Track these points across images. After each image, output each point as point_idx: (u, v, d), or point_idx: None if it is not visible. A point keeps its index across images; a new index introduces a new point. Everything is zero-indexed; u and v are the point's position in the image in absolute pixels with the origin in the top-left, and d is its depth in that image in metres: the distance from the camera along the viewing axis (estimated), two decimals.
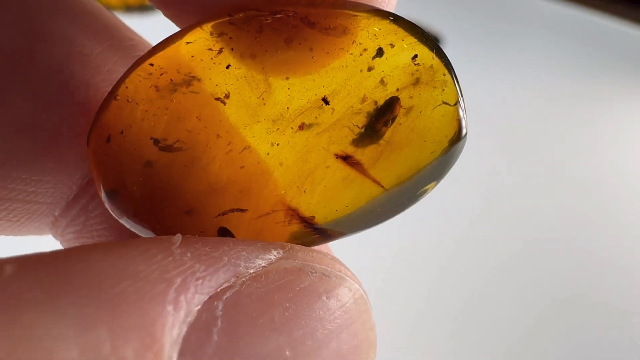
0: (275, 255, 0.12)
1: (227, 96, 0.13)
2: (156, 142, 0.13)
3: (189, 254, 0.10)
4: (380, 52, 0.13)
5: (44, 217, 0.16)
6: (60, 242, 0.17)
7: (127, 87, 0.13)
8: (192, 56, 0.13)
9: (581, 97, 0.73)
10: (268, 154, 0.13)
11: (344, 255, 0.16)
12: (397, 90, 0.13)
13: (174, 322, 0.10)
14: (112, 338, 0.09)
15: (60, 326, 0.08)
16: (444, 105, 0.13)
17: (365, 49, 0.13)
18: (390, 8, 0.15)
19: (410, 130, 0.13)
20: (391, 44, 0.13)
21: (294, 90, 0.13)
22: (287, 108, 0.13)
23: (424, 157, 0.13)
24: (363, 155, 0.13)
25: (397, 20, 0.13)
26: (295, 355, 0.11)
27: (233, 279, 0.11)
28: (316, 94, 0.13)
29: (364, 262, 0.45)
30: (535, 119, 0.68)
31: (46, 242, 0.15)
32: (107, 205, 0.14)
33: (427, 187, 0.14)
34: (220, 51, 0.13)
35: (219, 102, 0.13)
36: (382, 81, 0.13)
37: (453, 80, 0.13)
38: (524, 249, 0.50)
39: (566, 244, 0.52)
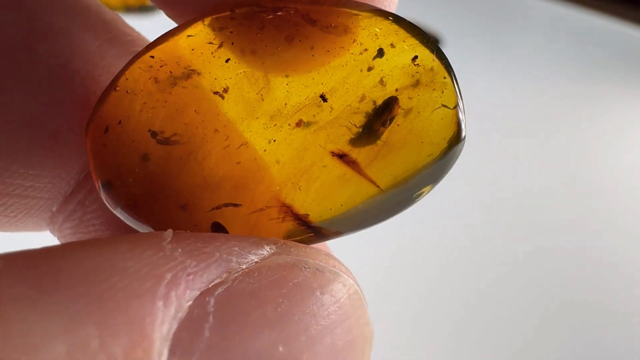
0: (268, 251, 0.11)
1: (225, 90, 0.13)
2: (154, 134, 0.13)
3: (179, 250, 0.10)
4: (380, 53, 0.13)
5: (42, 212, 0.15)
6: (58, 238, 0.17)
7: (127, 79, 0.13)
8: (193, 49, 0.13)
9: (581, 98, 0.73)
10: (265, 150, 0.13)
11: (344, 256, 0.16)
12: (396, 90, 0.13)
13: (164, 318, 0.09)
14: (100, 334, 0.09)
15: (47, 322, 0.08)
16: (443, 108, 0.13)
17: (365, 49, 0.13)
18: (392, 8, 0.14)
19: (408, 132, 0.13)
20: (392, 44, 0.13)
21: (292, 86, 0.13)
22: (285, 104, 0.13)
23: (421, 159, 0.13)
24: (359, 154, 0.13)
25: (398, 20, 0.13)
26: (289, 351, 0.11)
27: (225, 275, 0.11)
28: (314, 92, 0.13)
29: (364, 262, 0.45)
30: (534, 120, 0.67)
31: (45, 240, 0.15)
32: (102, 196, 0.14)
33: (423, 190, 0.14)
34: (220, 45, 0.13)
35: (217, 96, 0.13)
36: (381, 81, 0.13)
37: (453, 83, 0.13)
38: (524, 250, 0.50)
39: (566, 245, 0.51)
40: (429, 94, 0.13)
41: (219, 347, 0.10)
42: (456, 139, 0.13)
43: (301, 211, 0.14)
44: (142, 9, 0.72)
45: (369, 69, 0.13)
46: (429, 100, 0.13)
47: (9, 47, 0.14)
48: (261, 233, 0.14)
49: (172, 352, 0.09)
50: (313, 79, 0.13)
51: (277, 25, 0.13)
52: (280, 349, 0.10)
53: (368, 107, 0.13)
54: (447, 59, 0.13)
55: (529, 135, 0.64)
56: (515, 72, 0.76)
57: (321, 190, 0.14)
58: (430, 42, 0.13)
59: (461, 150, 0.14)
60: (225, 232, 0.14)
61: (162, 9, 0.15)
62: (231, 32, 0.13)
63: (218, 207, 0.14)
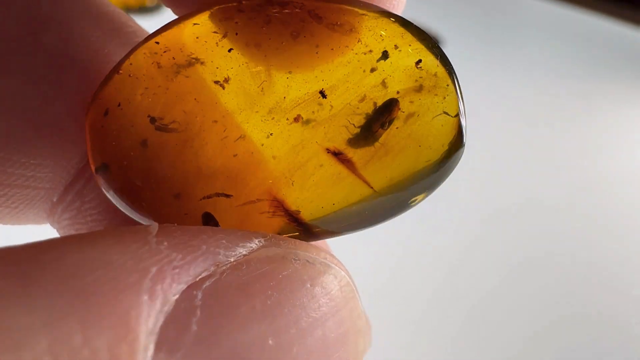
0: (256, 244, 0.11)
1: (226, 80, 0.13)
2: (153, 120, 0.13)
3: (165, 243, 0.10)
4: (385, 55, 0.13)
5: (43, 203, 0.15)
6: (57, 230, 0.16)
7: (130, 64, 0.13)
8: (197, 37, 0.13)
9: (581, 98, 0.72)
10: (263, 145, 0.13)
11: (345, 256, 0.16)
12: (398, 93, 0.13)
13: (150, 312, 0.09)
14: (83, 329, 0.08)
15: (29, 317, 0.08)
16: (444, 115, 0.13)
17: (370, 50, 0.13)
18: (399, 9, 0.14)
19: (407, 136, 0.13)
20: (396, 47, 0.13)
21: (292, 81, 0.13)
22: (284, 98, 0.13)
23: (418, 164, 0.13)
24: (355, 154, 0.13)
25: (405, 24, 0.13)
26: (279, 344, 0.10)
27: (213, 268, 0.10)
28: (314, 88, 0.13)
29: (365, 264, 0.44)
30: (534, 120, 0.66)
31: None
32: (96, 178, 0.13)
33: (417, 197, 0.13)
34: (225, 35, 0.13)
35: (218, 85, 0.13)
36: (383, 82, 0.13)
37: (456, 91, 0.13)
38: (525, 255, 0.49)
39: (568, 250, 0.50)
40: (431, 99, 0.13)
41: (207, 341, 0.10)
42: (455, 147, 0.13)
43: (293, 207, 0.13)
44: (142, 10, 0.72)
45: (372, 69, 0.13)
46: (430, 105, 0.13)
47: (11, 35, 0.13)
48: (251, 226, 0.13)
49: (158, 346, 0.09)
50: (315, 75, 0.13)
51: (283, 21, 0.12)
52: (270, 342, 0.10)
53: (368, 108, 0.13)
54: (451, 65, 0.13)
55: (529, 136, 0.63)
56: (515, 72, 0.75)
57: (314, 188, 0.13)
58: (436, 47, 0.13)
59: (459, 159, 0.13)
60: (215, 222, 0.13)
61: (170, 7, 0.14)
62: (236, 23, 0.13)
63: (209, 197, 0.13)
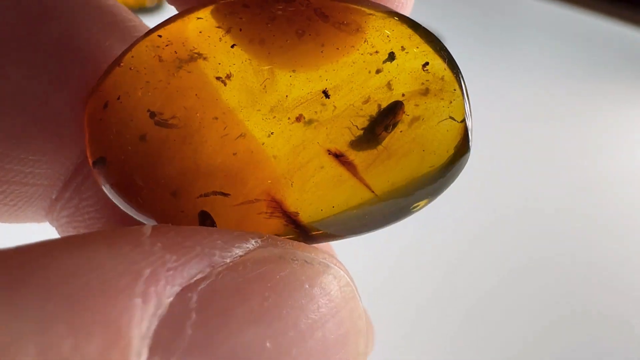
0: (253, 244, 0.11)
1: (228, 77, 0.12)
2: (152, 115, 0.13)
3: (159, 244, 0.09)
4: (391, 56, 0.12)
5: (41, 200, 0.15)
6: (56, 228, 0.16)
7: (132, 56, 0.12)
8: (200, 32, 0.12)
9: (581, 98, 0.71)
10: (263, 144, 0.13)
11: (343, 257, 0.16)
12: (403, 95, 0.12)
13: (143, 315, 0.09)
14: (73, 335, 0.08)
15: (17, 323, 0.08)
16: (450, 120, 0.12)
17: (376, 51, 0.12)
18: (406, 11, 0.14)
19: (411, 140, 0.12)
20: (403, 48, 0.12)
21: (296, 80, 0.12)
22: (286, 96, 0.12)
23: (421, 169, 0.13)
24: (357, 156, 0.13)
25: (413, 25, 0.12)
26: (277, 346, 0.10)
27: (208, 269, 0.10)
28: (317, 87, 0.12)
29: (365, 263, 0.44)
30: (534, 120, 0.66)
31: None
32: (93, 172, 0.13)
33: (419, 203, 0.13)
34: (228, 30, 0.12)
35: (219, 82, 0.13)
36: (388, 84, 0.12)
37: (463, 96, 0.12)
38: (526, 256, 0.49)
39: (566, 246, 0.50)
40: (437, 103, 0.12)
41: (202, 345, 0.09)
42: (460, 153, 0.12)
43: (291, 208, 0.13)
44: (142, 10, 0.72)
45: (377, 71, 0.12)
46: (436, 110, 0.12)
47: (9, 28, 0.13)
48: (248, 227, 0.13)
49: (152, 351, 0.09)
50: (319, 75, 0.12)
51: (289, 18, 0.12)
52: (268, 344, 0.10)
53: (372, 110, 0.12)
54: (459, 69, 0.12)
55: (529, 136, 0.63)
56: (514, 72, 0.74)
57: (314, 190, 0.13)
58: (444, 50, 0.12)
59: (464, 165, 0.13)
60: (212, 221, 0.13)
61: (174, 5, 0.14)
62: (241, 19, 0.12)
63: (206, 195, 0.13)
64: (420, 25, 0.12)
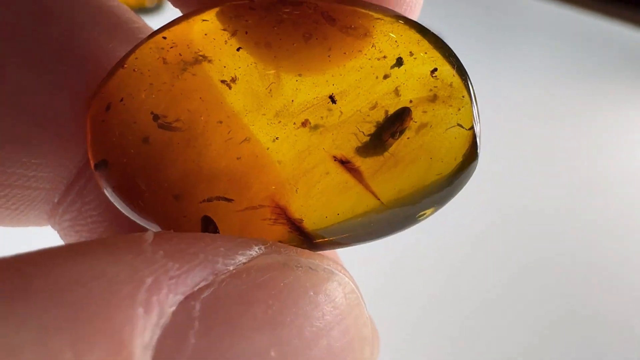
0: (256, 251, 0.11)
1: (233, 80, 0.12)
2: (156, 117, 0.12)
3: (161, 252, 0.09)
4: (399, 62, 0.12)
5: (43, 204, 0.15)
6: (58, 232, 0.16)
7: (136, 58, 0.12)
8: (205, 34, 0.12)
9: (581, 98, 0.71)
10: (268, 149, 0.12)
11: (347, 261, 0.15)
12: (411, 102, 0.12)
13: (146, 325, 0.09)
14: (74, 345, 0.08)
15: (16, 334, 0.08)
16: (458, 127, 0.12)
17: (384, 56, 0.12)
18: (414, 15, 0.13)
19: (418, 147, 0.12)
20: (411, 53, 0.12)
21: (302, 84, 0.12)
22: (292, 101, 0.12)
23: (428, 176, 0.12)
24: (364, 163, 0.12)
25: (421, 30, 0.12)
26: (282, 355, 0.10)
27: (211, 277, 0.10)
28: (324, 92, 0.12)
29: (369, 268, 0.44)
30: (534, 120, 0.65)
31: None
32: (95, 174, 0.13)
33: (425, 212, 0.13)
34: (234, 33, 0.12)
35: (224, 85, 0.12)
36: (396, 90, 0.12)
37: (472, 103, 0.12)
38: (529, 258, 0.48)
39: (567, 247, 0.50)
40: (445, 110, 0.12)
41: (206, 354, 0.09)
42: (468, 161, 0.12)
43: (296, 215, 0.13)
44: (142, 10, 0.72)
45: (385, 76, 0.12)
46: (444, 116, 0.12)
47: (12, 29, 0.13)
48: (251, 233, 0.13)
49: None
50: (325, 80, 0.12)
51: (296, 21, 0.12)
52: (273, 353, 0.10)
53: (379, 116, 0.12)
54: (468, 76, 0.12)
55: (529, 136, 0.62)
56: (514, 72, 0.73)
57: (319, 196, 0.13)
58: (453, 56, 0.12)
59: (472, 173, 0.12)
60: (215, 226, 0.13)
61: (177, 6, 0.14)
62: (247, 21, 0.12)
63: (209, 200, 0.13)
64: (429, 30, 0.12)
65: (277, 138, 0.12)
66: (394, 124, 0.12)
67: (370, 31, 0.12)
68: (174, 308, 0.09)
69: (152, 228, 0.13)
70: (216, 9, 0.12)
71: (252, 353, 0.10)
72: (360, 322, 0.12)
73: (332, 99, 0.12)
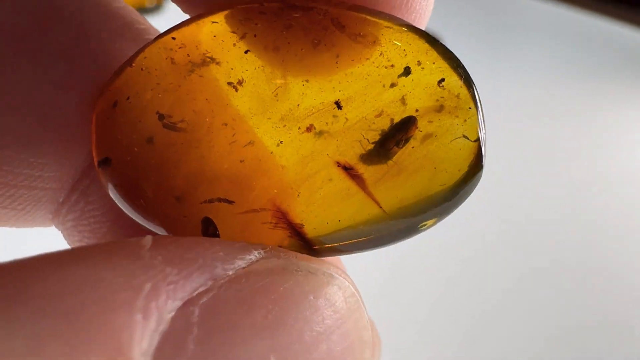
0: (256, 256, 0.10)
1: (240, 83, 0.12)
2: (161, 117, 0.12)
3: (159, 257, 0.09)
4: (407, 71, 0.12)
5: (49, 204, 0.14)
6: (62, 232, 0.16)
7: (145, 57, 0.12)
8: (214, 36, 0.12)
9: (581, 98, 0.70)
10: (272, 153, 0.12)
11: (348, 264, 0.15)
12: (417, 111, 0.12)
13: (144, 332, 0.08)
14: (70, 353, 0.08)
15: (11, 342, 0.07)
16: (464, 138, 0.12)
17: (392, 65, 0.12)
18: (422, 23, 0.13)
19: (422, 156, 0.12)
20: (419, 62, 0.12)
21: (308, 89, 0.12)
22: (298, 105, 0.12)
23: (432, 187, 0.12)
24: (367, 170, 0.12)
25: (430, 40, 0.12)
26: None
27: (210, 282, 0.09)
28: (330, 97, 0.12)
29: (372, 275, 0.43)
30: (534, 120, 0.65)
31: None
32: (98, 172, 0.13)
33: (428, 222, 0.12)
34: (243, 36, 0.12)
35: (231, 87, 0.12)
36: (402, 99, 0.12)
37: (478, 115, 0.12)
38: (525, 253, 0.48)
39: (567, 247, 0.49)
40: (451, 121, 0.12)
41: None
42: (472, 173, 0.12)
43: (296, 220, 0.13)
44: (141, 11, 0.72)
45: (392, 85, 0.12)
46: (450, 127, 0.12)
47: (19, 30, 0.13)
48: (251, 236, 0.13)
49: None
50: (332, 86, 0.12)
51: (305, 27, 0.12)
52: (272, 358, 0.10)
53: (384, 124, 0.12)
54: (475, 87, 0.12)
55: (529, 136, 0.62)
56: (514, 72, 0.73)
57: (321, 202, 0.12)
58: (461, 67, 0.12)
59: (476, 185, 0.12)
60: (215, 228, 0.13)
61: (183, 7, 0.14)
62: (256, 24, 0.12)
63: (210, 201, 0.13)
64: (438, 40, 0.12)
65: (281, 142, 0.12)
66: (399, 132, 0.12)
67: (379, 39, 0.12)
68: (172, 314, 0.09)
69: (153, 228, 0.13)
70: (226, 12, 0.12)
71: (252, 358, 0.09)
72: (361, 326, 0.11)
73: (338, 104, 0.12)
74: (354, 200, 0.12)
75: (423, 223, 0.12)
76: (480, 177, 0.12)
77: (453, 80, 0.12)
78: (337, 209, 0.12)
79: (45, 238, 0.16)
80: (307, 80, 0.12)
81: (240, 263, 0.10)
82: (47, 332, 0.08)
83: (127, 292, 0.08)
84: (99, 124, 0.13)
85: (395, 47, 0.12)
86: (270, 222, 0.13)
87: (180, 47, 0.12)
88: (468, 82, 0.12)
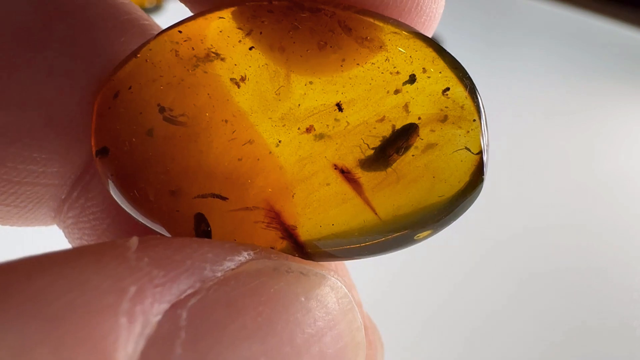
0: (245, 257, 0.10)
1: (243, 79, 0.12)
2: (162, 109, 0.12)
3: (146, 259, 0.09)
4: (412, 79, 0.12)
5: (51, 200, 0.14)
6: (63, 230, 0.15)
7: (150, 49, 0.12)
8: (220, 31, 0.12)
9: (581, 98, 0.70)
10: (270, 152, 0.12)
11: (352, 269, 0.15)
12: (419, 119, 0.12)
13: (129, 336, 0.08)
14: (55, 358, 0.08)
15: None
16: (466, 150, 0.12)
17: (397, 71, 0.12)
18: (429, 30, 0.13)
19: (422, 165, 0.12)
20: (424, 70, 0.12)
21: (310, 90, 0.12)
22: (299, 105, 0.12)
23: (430, 197, 0.12)
24: (364, 175, 0.12)
25: (437, 49, 0.11)
26: None
27: (198, 284, 0.09)
28: (332, 99, 0.12)
29: (374, 279, 0.43)
30: (534, 120, 0.65)
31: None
32: (95, 161, 0.13)
33: (423, 233, 0.12)
34: (249, 33, 0.12)
35: (233, 83, 0.12)
36: (405, 106, 0.12)
37: (482, 127, 0.11)
38: (527, 254, 0.48)
39: (568, 247, 0.49)
40: (454, 131, 0.12)
41: None
42: (472, 186, 0.12)
43: (290, 221, 0.12)
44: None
45: (396, 91, 0.12)
46: (452, 137, 0.12)
47: (25, 26, 0.13)
48: (243, 234, 0.12)
49: None
50: (335, 89, 0.12)
51: (312, 28, 0.12)
52: None
53: (385, 130, 0.12)
54: (480, 99, 0.12)
55: (528, 136, 0.62)
56: (514, 72, 0.72)
57: (316, 205, 0.12)
58: (467, 78, 0.12)
59: (475, 198, 0.12)
60: (207, 224, 0.12)
61: (188, 6, 0.13)
62: (263, 22, 0.12)
63: (203, 196, 0.12)
64: (445, 49, 0.12)
65: (280, 142, 0.12)
66: (400, 139, 0.12)
67: (386, 44, 0.12)
68: (159, 317, 0.09)
69: (148, 223, 0.13)
70: (234, 8, 0.12)
71: None
72: (354, 327, 0.11)
73: (339, 106, 0.12)
74: (349, 205, 0.12)
75: (418, 234, 0.12)
76: (480, 190, 0.12)
77: (458, 91, 0.12)
78: (332, 213, 0.12)
79: (45, 238, 0.16)
80: (310, 82, 0.12)
81: (230, 264, 0.10)
82: (32, 337, 0.07)
83: (112, 295, 0.08)
84: (100, 113, 0.12)
85: (401, 54, 0.12)
86: (263, 222, 0.12)
87: (185, 41, 0.12)
88: (473, 92, 0.12)
